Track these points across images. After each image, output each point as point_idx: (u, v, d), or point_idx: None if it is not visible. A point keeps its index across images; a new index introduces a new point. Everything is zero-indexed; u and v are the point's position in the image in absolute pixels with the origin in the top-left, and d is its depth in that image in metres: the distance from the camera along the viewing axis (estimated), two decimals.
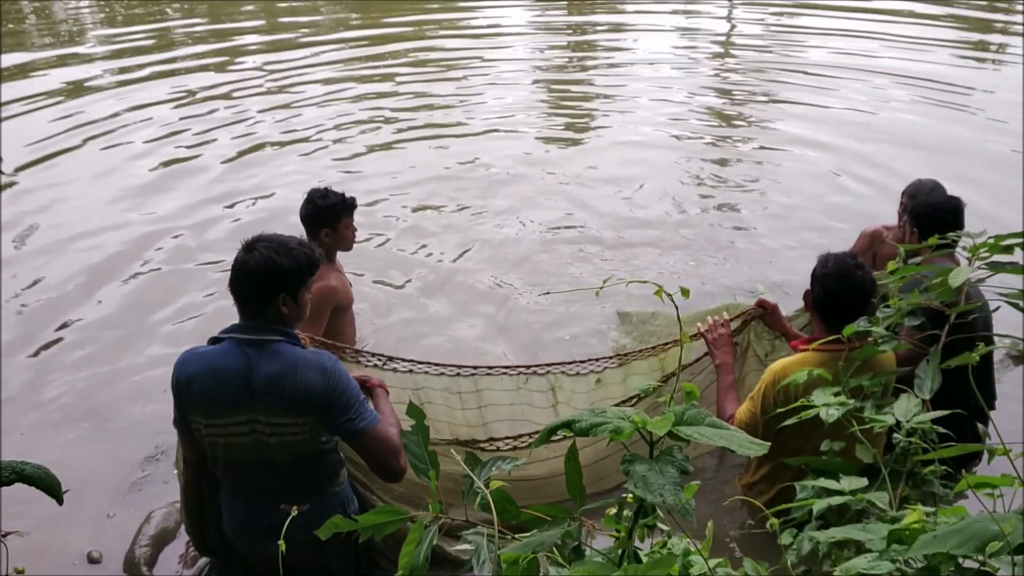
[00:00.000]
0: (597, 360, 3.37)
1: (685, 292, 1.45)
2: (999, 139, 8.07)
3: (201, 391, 2.45)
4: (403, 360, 3.14)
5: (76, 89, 10.27)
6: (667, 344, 3.37)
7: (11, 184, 7.29)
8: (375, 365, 3.11)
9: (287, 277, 2.46)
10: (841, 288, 2.85)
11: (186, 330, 4.99)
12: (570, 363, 3.37)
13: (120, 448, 4.04)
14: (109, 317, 5.23)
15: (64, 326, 5.10)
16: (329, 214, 3.97)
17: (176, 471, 2.82)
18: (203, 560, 3.19)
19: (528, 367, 3.31)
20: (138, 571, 3.28)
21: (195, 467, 2.69)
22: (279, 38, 13.16)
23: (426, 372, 3.17)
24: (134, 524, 3.49)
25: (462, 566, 2.64)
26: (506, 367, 3.30)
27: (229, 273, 2.50)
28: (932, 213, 3.40)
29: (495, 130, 8.82)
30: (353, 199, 4.09)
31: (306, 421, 2.44)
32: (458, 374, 3.22)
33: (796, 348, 2.98)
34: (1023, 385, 4.10)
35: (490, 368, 3.26)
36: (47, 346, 4.90)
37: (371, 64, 11.48)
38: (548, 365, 3.33)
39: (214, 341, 2.51)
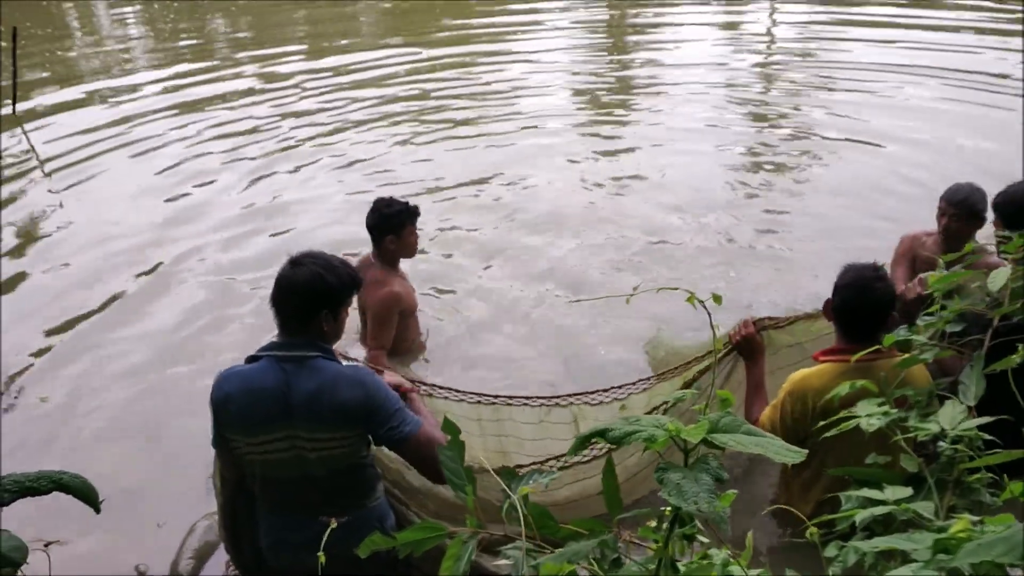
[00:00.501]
0: (621, 387, 3.34)
1: (717, 299, 1.44)
2: None
3: (238, 410, 2.49)
4: (424, 384, 3.15)
5: (110, 100, 10.73)
6: (690, 362, 3.32)
7: (18, 197, 7.52)
8: (492, 402, 3.15)
9: (332, 294, 2.52)
10: (859, 300, 2.84)
11: (226, 342, 5.08)
12: (593, 392, 3.34)
13: (169, 459, 4.12)
14: (149, 327, 5.37)
15: (101, 337, 5.25)
16: (394, 222, 4.16)
17: (214, 490, 2.86)
18: None
19: (550, 399, 3.29)
20: None
21: (233, 486, 2.73)
22: (321, 46, 13.63)
23: (446, 398, 3.17)
24: (181, 536, 3.55)
25: None
26: (527, 398, 3.28)
27: (273, 287, 2.55)
28: (1018, 206, 3.28)
29: (530, 128, 8.96)
30: (416, 207, 4.25)
31: (346, 435, 2.48)
32: (479, 402, 3.21)
33: (816, 359, 2.95)
34: None
35: (510, 398, 3.24)
36: (85, 357, 5.03)
37: (409, 68, 11.79)
38: (571, 396, 3.30)
39: (252, 359, 2.55)
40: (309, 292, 2.48)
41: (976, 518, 1.44)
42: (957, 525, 1.40)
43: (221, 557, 3.41)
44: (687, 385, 3.18)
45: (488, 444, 3.21)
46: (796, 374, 2.93)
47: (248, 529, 2.75)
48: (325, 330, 2.54)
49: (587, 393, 3.32)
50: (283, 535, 2.65)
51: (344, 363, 2.63)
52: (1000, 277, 1.94)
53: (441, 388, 3.18)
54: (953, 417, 2.00)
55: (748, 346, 3.20)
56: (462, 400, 3.17)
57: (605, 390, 3.32)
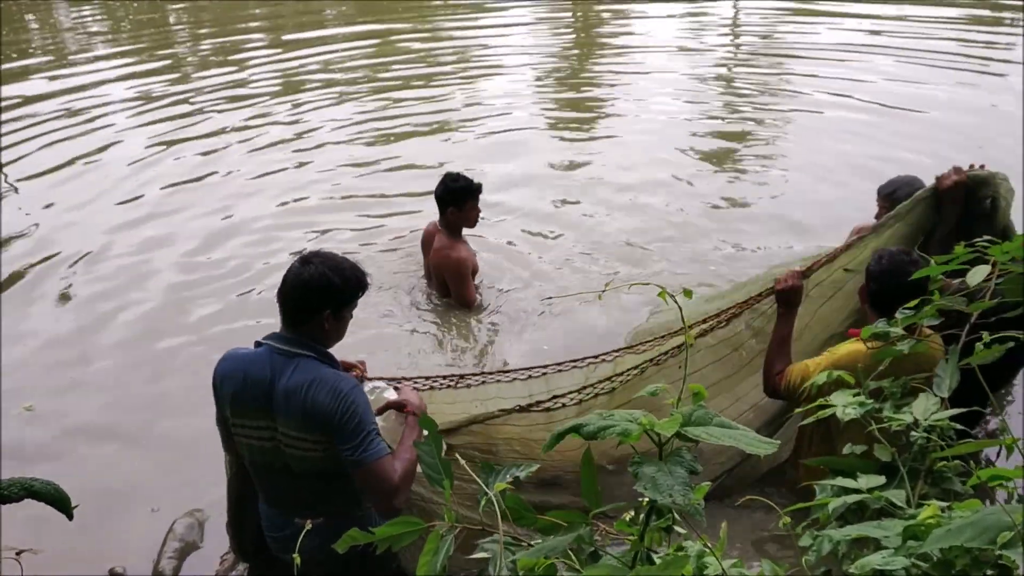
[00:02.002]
0: (663, 336, 3.45)
1: (688, 293, 1.46)
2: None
3: (231, 390, 2.56)
4: (474, 375, 3.25)
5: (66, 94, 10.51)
6: (722, 312, 3.40)
7: None
8: (449, 386, 3.16)
9: (335, 294, 2.55)
10: (898, 283, 2.85)
11: (212, 338, 5.00)
12: (636, 344, 3.48)
13: (151, 459, 4.09)
14: (121, 324, 5.29)
15: (73, 335, 5.18)
16: (457, 196, 4.70)
17: (226, 468, 2.93)
18: (241, 566, 3.28)
19: (596, 356, 3.38)
20: None
21: (238, 467, 2.79)
22: (281, 33, 13.60)
23: (498, 381, 3.26)
24: (161, 536, 3.54)
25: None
26: (575, 361, 3.36)
27: (281, 281, 2.59)
28: None
29: (496, 115, 8.88)
30: (479, 185, 4.76)
31: (316, 439, 2.49)
32: (529, 376, 3.29)
33: (850, 335, 2.97)
34: None
35: (560, 365, 3.33)
36: (69, 358, 4.98)
37: (370, 56, 11.79)
38: (616, 351, 3.41)
39: (258, 345, 2.60)
40: (314, 291, 2.52)
41: (945, 504, 1.47)
42: (926, 512, 1.42)
43: (202, 556, 3.44)
44: (726, 321, 3.34)
45: (537, 419, 3.21)
46: (842, 348, 2.95)
47: (254, 514, 2.81)
48: (326, 329, 2.57)
49: (632, 345, 3.47)
50: (269, 528, 2.72)
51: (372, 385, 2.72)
52: (979, 274, 1.96)
53: (492, 374, 3.28)
54: (926, 408, 2.03)
55: (789, 296, 3.24)
56: (514, 379, 3.25)
57: (649, 340, 3.45)
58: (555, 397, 3.09)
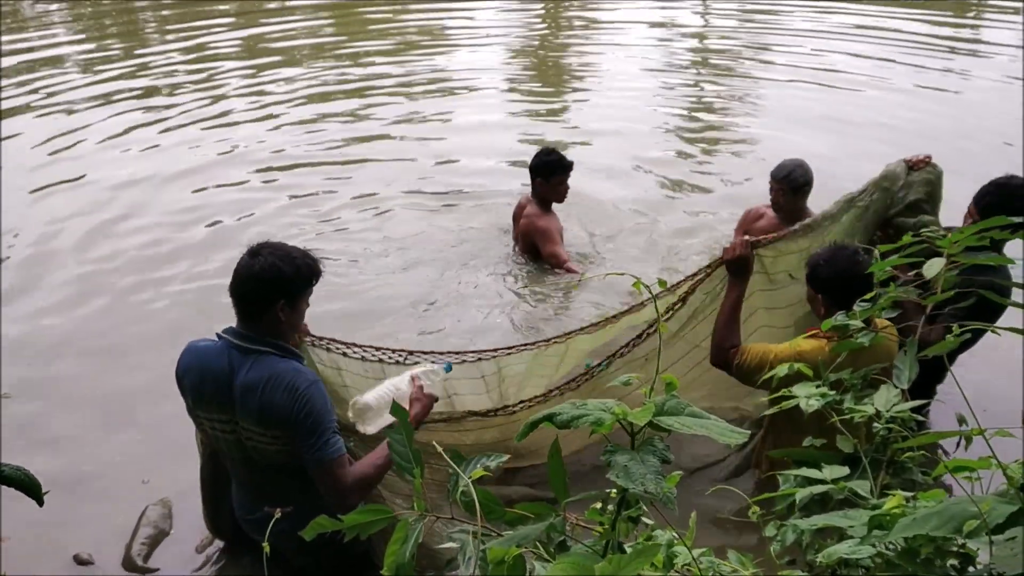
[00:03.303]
0: (615, 317, 3.48)
1: (662, 283, 1.46)
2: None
3: (191, 383, 2.57)
4: (424, 353, 3.23)
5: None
6: (679, 283, 3.39)
7: None
8: (397, 362, 3.14)
9: (288, 285, 2.51)
10: (850, 280, 2.88)
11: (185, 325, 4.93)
12: (589, 326, 3.54)
13: (127, 443, 4.05)
14: (113, 309, 5.24)
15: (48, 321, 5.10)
16: (545, 169, 5.00)
17: (199, 451, 2.94)
18: (214, 548, 3.27)
19: (548, 340, 3.44)
20: (135, 567, 3.30)
21: (210, 449, 2.81)
22: (249, 14, 13.55)
23: (463, 361, 3.29)
24: (133, 521, 3.50)
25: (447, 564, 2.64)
26: (525, 345, 3.42)
27: (232, 276, 2.56)
28: (999, 196, 3.32)
29: (463, 94, 9.06)
30: (571, 163, 5.05)
31: (275, 435, 2.48)
32: (480, 359, 3.33)
33: (808, 332, 3.00)
34: None
35: (509, 349, 3.39)
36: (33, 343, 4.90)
37: (334, 44, 11.83)
38: (568, 334, 3.46)
39: (220, 338, 2.59)
40: (265, 282, 2.48)
41: (909, 494, 1.49)
42: (891, 502, 1.44)
43: (174, 541, 3.41)
44: (682, 300, 3.30)
45: (494, 399, 3.33)
46: (807, 344, 2.95)
47: (228, 490, 2.82)
48: (281, 320, 2.53)
49: (584, 328, 3.52)
50: (240, 510, 2.76)
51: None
52: (934, 266, 1.99)
53: (443, 354, 3.28)
54: (887, 400, 2.06)
55: (739, 264, 3.23)
56: (463, 361, 3.27)
57: (597, 323, 3.52)
58: (522, 402, 3.13)
